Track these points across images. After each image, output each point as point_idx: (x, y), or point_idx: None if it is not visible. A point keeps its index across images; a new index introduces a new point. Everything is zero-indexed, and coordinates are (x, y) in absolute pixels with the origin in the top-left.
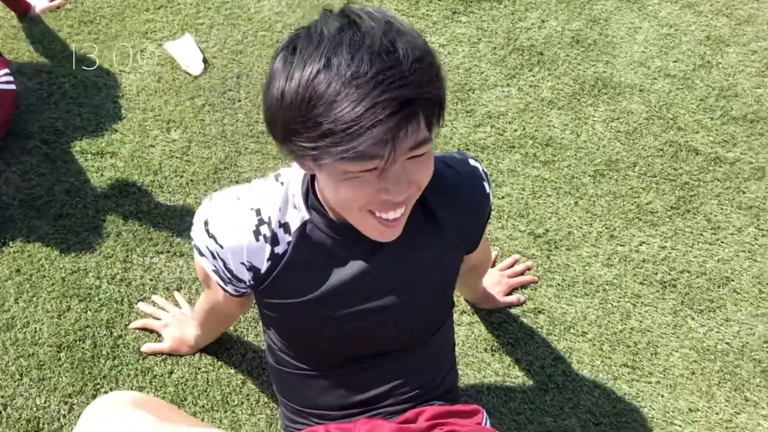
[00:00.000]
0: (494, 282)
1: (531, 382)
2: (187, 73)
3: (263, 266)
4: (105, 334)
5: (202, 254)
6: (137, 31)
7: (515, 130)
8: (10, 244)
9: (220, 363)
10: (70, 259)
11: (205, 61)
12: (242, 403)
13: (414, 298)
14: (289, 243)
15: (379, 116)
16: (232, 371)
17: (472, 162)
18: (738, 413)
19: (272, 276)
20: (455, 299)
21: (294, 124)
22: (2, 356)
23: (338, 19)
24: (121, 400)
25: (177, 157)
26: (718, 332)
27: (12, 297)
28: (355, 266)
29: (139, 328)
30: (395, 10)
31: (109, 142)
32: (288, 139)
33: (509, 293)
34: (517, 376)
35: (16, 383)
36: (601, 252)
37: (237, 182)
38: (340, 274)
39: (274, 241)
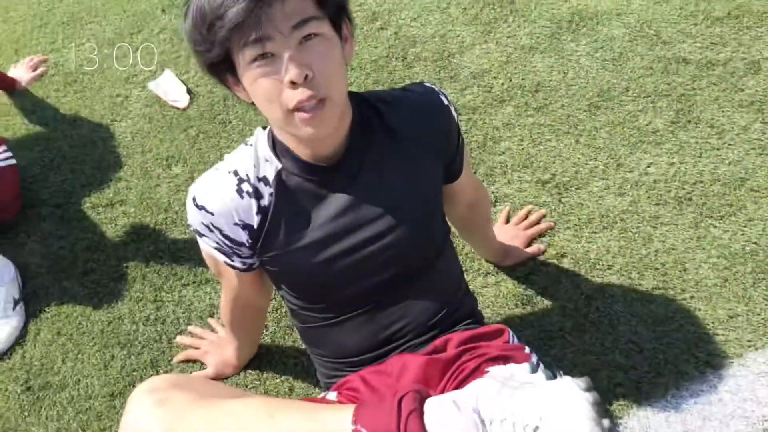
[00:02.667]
0: (511, 236)
1: (568, 325)
2: (176, 107)
3: (254, 221)
4: (152, 374)
5: (201, 234)
6: (119, 79)
7: (502, 84)
8: (47, 310)
9: (265, 376)
10: (104, 311)
11: (189, 92)
12: None
13: (401, 218)
14: (271, 194)
15: None
16: (279, 380)
17: (428, 84)
18: None
19: (265, 229)
20: (480, 264)
21: (198, 45)
22: (62, 415)
23: None
24: (162, 384)
25: (183, 191)
26: (743, 234)
27: (59, 358)
28: (337, 201)
29: (183, 361)
30: None
31: (117, 192)
32: (205, 64)
33: (529, 245)
34: (553, 323)
35: None
36: (611, 183)
37: None
38: (325, 212)
39: (257, 194)
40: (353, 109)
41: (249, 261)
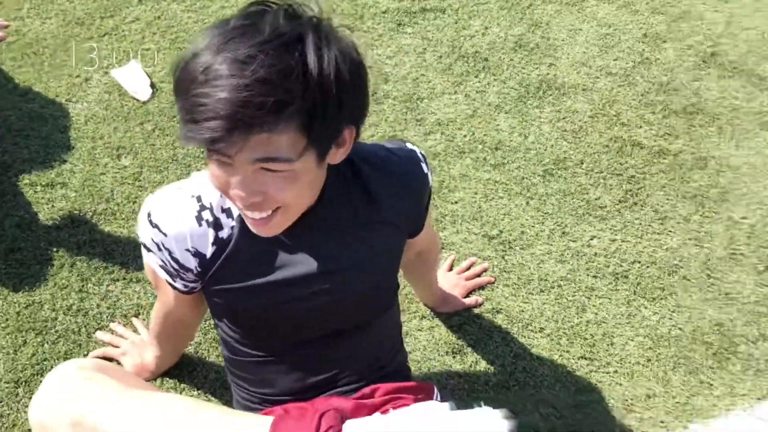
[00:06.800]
0: (452, 285)
1: (494, 380)
2: (135, 99)
3: (208, 251)
4: None
5: (148, 249)
6: (82, 60)
7: (465, 136)
8: None
9: (183, 386)
10: (24, 293)
11: (152, 86)
12: None
13: (360, 277)
14: (233, 228)
15: (217, 112)
16: (196, 393)
17: (409, 145)
18: (693, 396)
19: (219, 262)
20: (418, 307)
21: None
22: None
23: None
24: (87, 365)
25: (129, 183)
26: (670, 319)
27: None
28: (300, 249)
29: (99, 357)
30: (340, 24)
31: (59, 173)
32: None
33: (467, 295)
34: (479, 377)
35: None
36: (554, 249)
37: None
38: (286, 258)
39: (217, 226)
40: (330, 166)
41: (192, 285)
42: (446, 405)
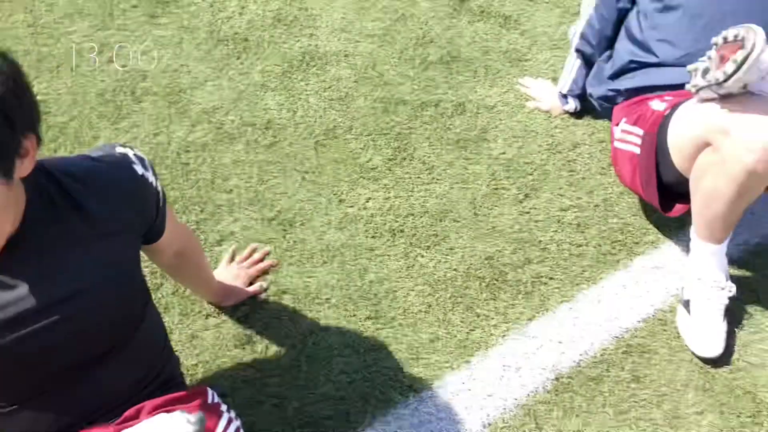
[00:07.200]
0: (234, 276)
1: (285, 362)
2: None
3: None
4: None
5: None
6: None
7: (233, 121)
8: None
9: None
10: None
11: None
12: None
13: (94, 297)
14: None
15: None
16: None
17: (118, 149)
18: (472, 330)
19: None
20: (202, 306)
21: None
22: None
23: None
24: None
25: None
26: (445, 262)
27: None
28: (13, 284)
29: None
30: (89, 25)
31: None
32: None
33: (251, 283)
34: (271, 362)
35: None
36: (332, 218)
37: None
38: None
39: None
40: (28, 186)
41: None
42: (176, 414)
